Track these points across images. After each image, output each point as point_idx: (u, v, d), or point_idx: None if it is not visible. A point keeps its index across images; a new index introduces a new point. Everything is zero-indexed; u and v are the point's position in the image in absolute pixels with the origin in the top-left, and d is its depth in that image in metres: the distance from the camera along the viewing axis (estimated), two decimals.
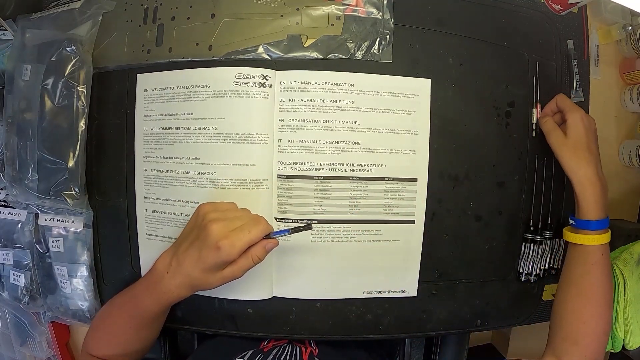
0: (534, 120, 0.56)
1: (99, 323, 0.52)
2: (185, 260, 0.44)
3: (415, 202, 0.54)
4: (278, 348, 0.53)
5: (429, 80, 0.53)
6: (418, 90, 0.53)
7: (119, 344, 0.50)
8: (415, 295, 0.56)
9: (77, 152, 0.52)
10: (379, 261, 0.54)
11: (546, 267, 0.58)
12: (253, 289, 0.53)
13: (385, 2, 0.53)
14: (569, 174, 0.50)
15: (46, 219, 0.56)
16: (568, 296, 0.50)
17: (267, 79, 0.51)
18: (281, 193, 0.52)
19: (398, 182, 0.53)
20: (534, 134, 0.56)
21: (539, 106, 0.56)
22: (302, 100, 0.51)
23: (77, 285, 0.56)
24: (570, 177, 0.50)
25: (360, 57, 0.52)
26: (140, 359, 0.52)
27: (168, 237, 0.54)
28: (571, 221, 0.51)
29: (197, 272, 0.44)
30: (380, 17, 0.53)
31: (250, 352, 0.51)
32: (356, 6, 0.52)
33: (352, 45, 0.52)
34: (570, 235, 0.51)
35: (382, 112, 0.52)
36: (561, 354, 0.49)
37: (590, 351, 0.48)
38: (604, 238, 0.48)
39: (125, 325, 0.49)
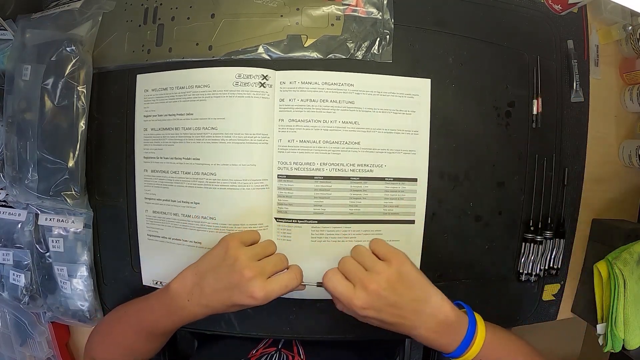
0: (534, 112, 0.56)
1: (106, 330, 0.52)
2: (212, 296, 0.44)
3: (415, 202, 0.54)
4: (266, 356, 0.53)
5: (429, 80, 0.53)
6: (418, 90, 0.53)
7: (126, 354, 0.50)
8: None
9: (77, 152, 0.52)
10: None
11: (546, 267, 0.58)
12: None
13: (385, 2, 0.53)
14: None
15: (46, 219, 0.56)
16: None
17: (267, 79, 0.51)
18: (281, 193, 0.52)
19: (398, 182, 0.53)
20: (534, 125, 0.56)
21: (539, 99, 0.56)
22: (302, 100, 0.51)
23: (77, 285, 0.56)
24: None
25: (360, 57, 0.52)
26: None
27: (169, 238, 0.54)
28: None
29: (223, 308, 0.45)
30: (380, 17, 0.53)
31: None
32: (356, 6, 0.52)
33: (352, 45, 0.52)
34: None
35: (382, 112, 0.52)
36: None
37: None
38: (474, 351, 0.44)
39: (136, 337, 0.49)
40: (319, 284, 0.47)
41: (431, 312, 0.44)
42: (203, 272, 0.45)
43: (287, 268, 0.48)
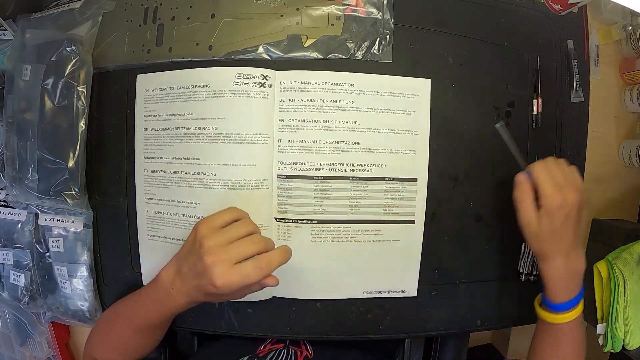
0: (534, 112, 0.56)
1: (104, 329, 0.52)
2: (189, 284, 0.44)
3: (415, 202, 0.54)
4: (274, 352, 0.53)
5: (429, 80, 0.53)
6: (418, 90, 0.53)
7: (124, 351, 0.50)
8: (415, 295, 0.56)
9: (77, 152, 0.52)
10: (379, 261, 0.54)
11: None
12: None
13: (385, 2, 0.53)
14: (535, 254, 0.49)
15: (46, 219, 0.56)
16: None
17: (267, 79, 0.51)
18: (281, 193, 0.52)
19: (398, 182, 0.53)
20: (534, 125, 0.56)
21: (539, 99, 0.56)
22: (302, 100, 0.51)
23: (77, 285, 0.56)
24: (537, 261, 0.49)
25: (360, 57, 0.52)
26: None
27: (169, 238, 0.54)
28: (541, 296, 0.50)
29: (201, 296, 0.44)
30: (380, 17, 0.53)
31: (246, 358, 0.51)
32: (356, 6, 0.52)
33: (352, 45, 0.52)
34: (539, 311, 0.50)
35: (382, 112, 0.52)
36: None
37: None
38: (574, 314, 0.47)
39: (133, 333, 0.49)
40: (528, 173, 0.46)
41: (575, 256, 0.47)
42: (181, 259, 0.45)
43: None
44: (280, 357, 0.52)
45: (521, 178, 0.46)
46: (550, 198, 0.44)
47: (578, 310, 0.47)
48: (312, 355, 0.55)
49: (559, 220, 0.44)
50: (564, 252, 0.46)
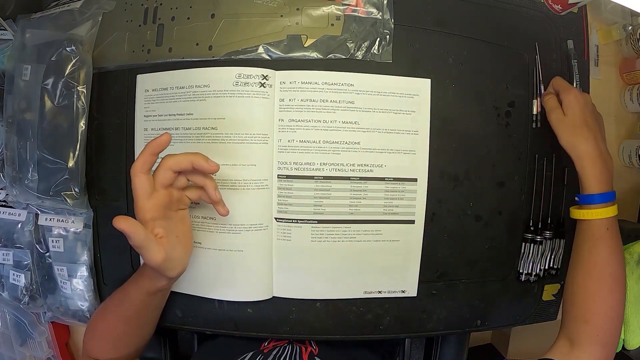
0: (534, 112, 0.56)
1: (96, 322, 0.52)
2: None
3: (415, 202, 0.54)
4: (278, 348, 0.53)
5: (429, 80, 0.53)
6: (418, 90, 0.53)
7: (117, 342, 0.50)
8: (415, 295, 0.56)
9: (77, 152, 0.52)
10: (379, 261, 0.54)
11: (546, 267, 0.58)
12: (253, 289, 0.53)
13: (385, 2, 0.53)
14: (568, 150, 0.51)
15: (46, 219, 0.56)
16: (577, 274, 0.50)
17: (267, 79, 0.51)
18: (281, 193, 0.52)
19: (398, 182, 0.53)
20: (534, 125, 0.57)
21: (539, 99, 0.56)
22: (302, 100, 0.51)
23: (77, 285, 0.56)
24: (569, 153, 0.51)
25: (360, 57, 0.52)
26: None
27: None
28: (576, 198, 0.52)
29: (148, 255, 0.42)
30: (380, 17, 0.53)
31: (251, 353, 0.51)
32: (356, 6, 0.52)
33: (352, 45, 0.52)
34: (575, 212, 0.51)
35: (382, 112, 0.52)
36: (573, 335, 0.48)
37: (602, 331, 0.47)
38: (608, 211, 0.48)
39: (121, 322, 0.49)
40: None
41: (604, 146, 0.50)
42: None
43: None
44: (285, 353, 0.52)
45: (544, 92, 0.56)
46: (568, 91, 0.51)
47: (613, 209, 0.48)
48: (317, 351, 0.55)
49: (577, 108, 0.50)
50: (591, 136, 0.49)
